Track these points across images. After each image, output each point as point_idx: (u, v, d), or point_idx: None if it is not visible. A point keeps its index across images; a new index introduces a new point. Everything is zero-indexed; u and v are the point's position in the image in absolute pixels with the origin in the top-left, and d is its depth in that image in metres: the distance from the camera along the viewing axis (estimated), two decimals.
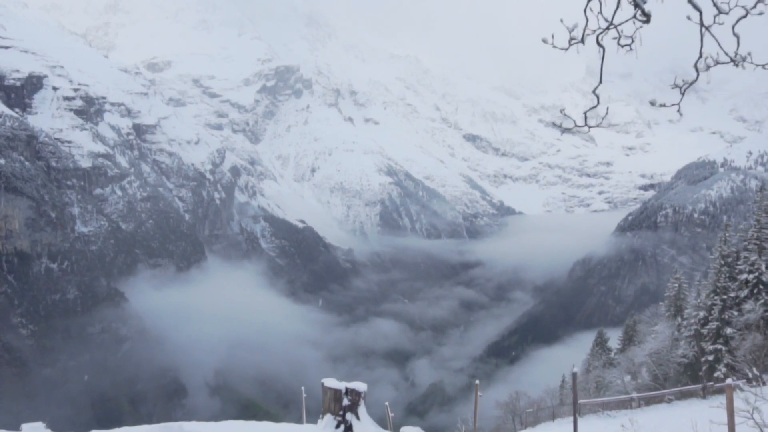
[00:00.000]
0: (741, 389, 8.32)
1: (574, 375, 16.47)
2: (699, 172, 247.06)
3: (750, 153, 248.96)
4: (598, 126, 6.65)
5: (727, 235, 39.46)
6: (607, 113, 6.48)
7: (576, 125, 6.70)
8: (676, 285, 45.03)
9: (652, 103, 6.32)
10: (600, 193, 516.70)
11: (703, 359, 36.10)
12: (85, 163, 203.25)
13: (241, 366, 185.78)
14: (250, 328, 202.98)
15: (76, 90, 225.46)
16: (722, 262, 38.16)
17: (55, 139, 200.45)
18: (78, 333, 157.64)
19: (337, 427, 11.21)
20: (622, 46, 5.88)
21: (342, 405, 11.30)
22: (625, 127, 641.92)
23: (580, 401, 31.27)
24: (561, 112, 6.54)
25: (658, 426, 17.69)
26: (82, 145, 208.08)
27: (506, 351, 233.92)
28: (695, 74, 6.33)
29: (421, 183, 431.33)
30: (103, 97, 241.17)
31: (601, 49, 5.96)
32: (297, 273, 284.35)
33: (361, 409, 11.45)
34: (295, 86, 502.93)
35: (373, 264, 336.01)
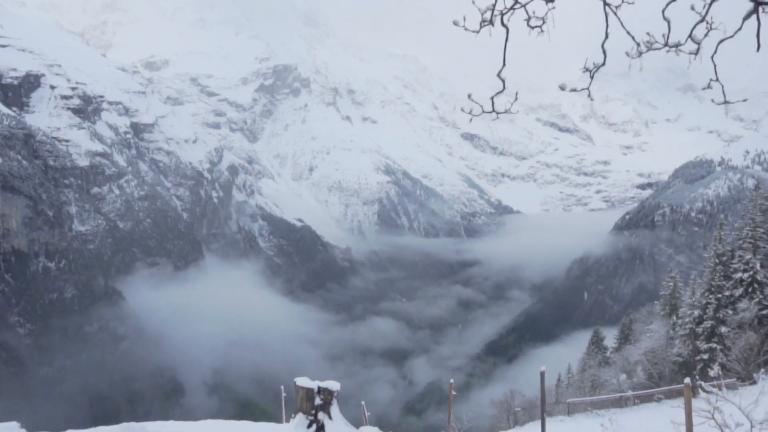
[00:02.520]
0: (704, 389, 8.28)
1: (542, 374, 16.56)
2: (696, 171, 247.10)
3: (747, 152, 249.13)
4: (506, 112, 6.51)
5: (722, 234, 39.60)
6: (516, 98, 6.39)
7: (483, 111, 6.60)
8: (671, 284, 45.21)
9: (562, 88, 6.16)
10: (597, 192, 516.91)
11: (697, 358, 36.27)
12: (83, 162, 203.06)
13: (239, 365, 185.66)
14: (248, 327, 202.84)
15: (73, 89, 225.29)
16: (717, 260, 38.31)
17: (53, 137, 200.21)
18: (75, 332, 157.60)
19: (309, 426, 11.11)
20: (533, 28, 5.75)
21: (314, 404, 11.20)
22: (622, 126, 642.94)
23: (570, 400, 31.49)
24: (468, 97, 6.44)
25: (642, 425, 17.80)
26: (80, 143, 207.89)
27: (504, 350, 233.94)
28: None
29: (419, 182, 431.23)
30: (101, 96, 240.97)
31: (506, 30, 5.78)
32: (295, 272, 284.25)
33: (334, 408, 11.35)
34: (293, 85, 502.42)
35: (371, 263, 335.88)
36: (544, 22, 5.71)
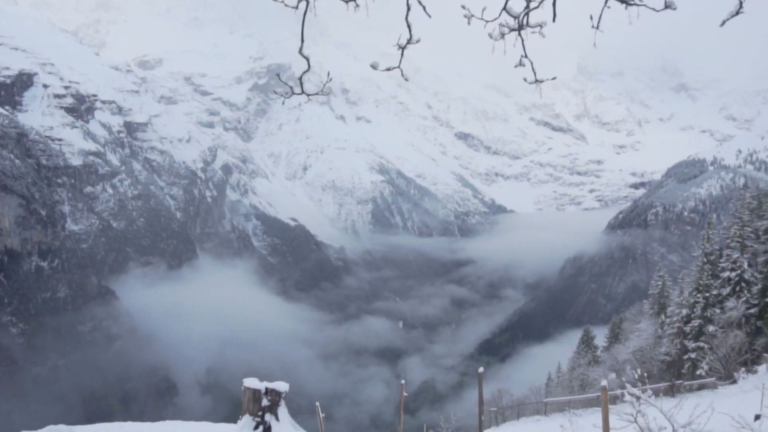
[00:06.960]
0: (631, 393, 8.37)
1: (479, 375, 16.74)
2: (689, 171, 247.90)
3: (739, 151, 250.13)
4: (320, 94, 6.42)
5: (710, 233, 39.92)
6: (330, 79, 6.26)
7: (293, 92, 6.44)
8: (660, 283, 45.52)
9: (374, 67, 6.07)
10: (591, 191, 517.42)
11: (685, 357, 36.58)
12: (76, 161, 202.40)
13: (233, 364, 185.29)
14: (242, 326, 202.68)
15: (66, 88, 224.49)
16: (705, 259, 38.63)
17: (46, 136, 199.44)
18: (68, 331, 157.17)
19: (256, 428, 10.98)
20: (347, 2, 5.47)
21: (261, 405, 11.06)
22: (615, 126, 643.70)
23: (547, 400, 31.83)
24: (277, 77, 6.38)
25: (612, 425, 17.95)
26: (73, 143, 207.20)
27: (497, 349, 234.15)
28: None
29: (412, 181, 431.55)
30: (94, 95, 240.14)
31: (306, 4, 5.52)
32: (289, 271, 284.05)
33: (282, 410, 11.23)
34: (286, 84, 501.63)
35: (364, 262, 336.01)
36: None
